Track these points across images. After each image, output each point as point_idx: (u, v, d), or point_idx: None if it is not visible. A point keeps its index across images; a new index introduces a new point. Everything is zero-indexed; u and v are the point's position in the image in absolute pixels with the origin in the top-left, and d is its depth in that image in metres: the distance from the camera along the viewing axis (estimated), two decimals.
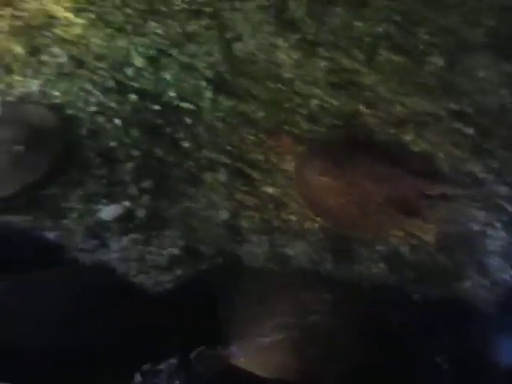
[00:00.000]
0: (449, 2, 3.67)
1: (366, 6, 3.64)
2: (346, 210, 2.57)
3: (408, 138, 2.93)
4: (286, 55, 3.37)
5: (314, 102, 3.12)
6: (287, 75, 3.27)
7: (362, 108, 3.09)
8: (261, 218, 2.66)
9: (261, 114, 3.07)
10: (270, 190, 2.77)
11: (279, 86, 3.22)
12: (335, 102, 3.12)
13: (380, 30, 3.48)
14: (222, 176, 2.79)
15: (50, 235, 2.58)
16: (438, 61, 3.31)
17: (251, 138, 2.98)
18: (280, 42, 3.43)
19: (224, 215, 2.66)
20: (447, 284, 2.44)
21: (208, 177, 2.80)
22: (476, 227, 2.59)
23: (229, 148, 2.93)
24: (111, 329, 2.19)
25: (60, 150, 2.85)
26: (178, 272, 2.50)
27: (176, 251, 2.55)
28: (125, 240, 2.59)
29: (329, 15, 3.57)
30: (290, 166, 2.86)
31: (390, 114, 3.05)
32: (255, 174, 2.82)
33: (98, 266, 2.46)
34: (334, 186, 2.58)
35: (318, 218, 2.64)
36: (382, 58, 3.34)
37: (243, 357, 2.07)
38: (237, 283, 2.44)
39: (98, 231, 2.61)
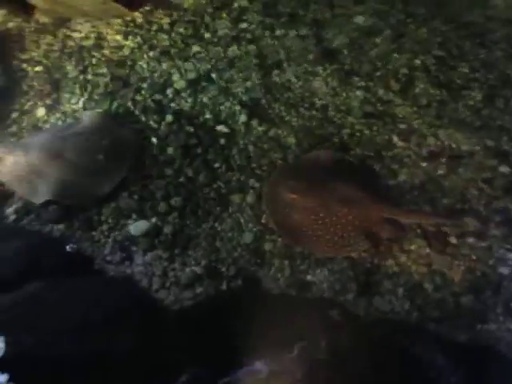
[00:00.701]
0: (492, 37, 3.61)
1: (404, 38, 3.64)
2: (310, 228, 2.55)
3: (440, 172, 2.86)
4: (322, 83, 3.39)
5: (346, 131, 3.11)
6: (321, 103, 3.29)
7: (394, 139, 3.05)
8: (283, 243, 2.65)
9: (292, 140, 3.09)
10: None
11: (313, 113, 3.24)
12: (367, 132, 3.10)
13: (418, 62, 3.46)
14: (250, 198, 2.81)
15: (82, 246, 2.67)
16: (476, 95, 3.24)
17: (279, 162, 2.99)
18: (318, 70, 3.46)
19: (248, 238, 2.67)
20: (471, 326, 2.33)
21: (236, 198, 2.83)
22: (505, 269, 2.47)
23: (258, 172, 2.95)
24: (128, 341, 2.22)
25: (133, 160, 2.94)
26: (199, 290, 2.51)
27: (198, 270, 2.57)
28: (150, 255, 2.64)
29: (367, 45, 3.59)
30: None
31: (422, 146, 3.00)
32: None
33: (122, 279, 2.51)
34: (303, 204, 2.58)
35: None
36: (419, 89, 3.30)
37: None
38: (255, 305, 2.43)
39: (126, 245, 2.68)
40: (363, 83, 3.35)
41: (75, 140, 2.87)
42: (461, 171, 2.84)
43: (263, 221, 2.73)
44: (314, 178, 2.70)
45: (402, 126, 3.11)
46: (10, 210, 2.84)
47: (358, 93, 3.30)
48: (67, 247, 2.53)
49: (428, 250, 2.56)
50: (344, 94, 3.31)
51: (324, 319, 2.31)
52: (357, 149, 3.02)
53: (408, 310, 2.42)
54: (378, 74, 3.40)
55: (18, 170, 2.80)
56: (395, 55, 3.51)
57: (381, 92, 3.29)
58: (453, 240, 2.58)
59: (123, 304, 2.31)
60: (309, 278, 2.54)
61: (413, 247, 2.59)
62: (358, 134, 3.09)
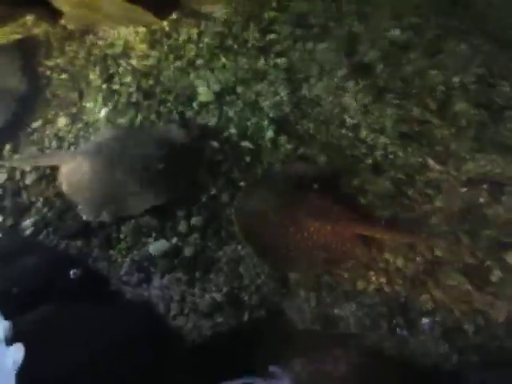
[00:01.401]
0: None
1: (442, 54, 3.40)
2: (281, 244, 2.39)
3: (481, 200, 2.62)
4: (353, 99, 3.18)
5: (379, 152, 2.89)
6: (353, 121, 3.08)
7: (430, 162, 2.82)
8: (310, 271, 2.44)
9: (321, 159, 2.89)
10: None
11: (343, 131, 3.04)
12: (402, 154, 2.87)
13: (456, 79, 3.22)
14: None
15: (98, 265, 2.51)
16: None
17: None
18: (349, 85, 3.25)
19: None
20: None
21: None
22: None
23: None
24: (140, 370, 2.06)
25: (195, 170, 2.77)
26: (219, 319, 2.32)
27: (218, 297, 2.39)
28: (168, 278, 2.46)
29: (402, 61, 3.36)
30: None
31: (461, 171, 2.76)
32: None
33: (138, 303, 2.34)
34: (273, 219, 2.42)
35: (375, 279, 2.39)
36: (457, 109, 3.06)
37: None
38: (278, 339, 2.24)
39: (144, 265, 2.51)
40: (397, 101, 3.13)
41: (133, 149, 2.70)
42: (504, 200, 2.59)
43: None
44: (286, 191, 2.56)
45: (439, 149, 2.87)
46: (27, 223, 2.70)
47: (392, 111, 3.08)
48: (71, 273, 2.34)
49: (468, 287, 2.32)
50: (377, 112, 3.09)
51: (351, 359, 2.10)
52: (390, 171, 2.79)
53: (446, 352, 2.18)
54: (414, 91, 3.17)
55: (74, 178, 2.65)
56: (432, 72, 3.27)
57: (416, 111, 3.06)
58: (495, 277, 2.33)
59: (137, 332, 2.15)
60: (336, 311, 2.32)
61: (451, 282, 2.35)
62: (391, 155, 2.87)
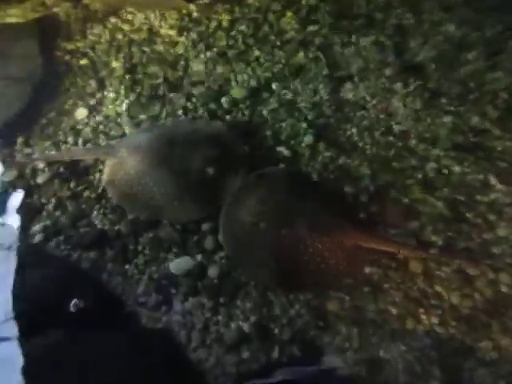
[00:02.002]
0: None
1: (503, 54, 2.97)
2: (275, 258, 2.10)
3: None
4: (401, 103, 2.79)
5: (431, 166, 2.52)
6: (401, 128, 2.70)
7: (492, 180, 2.43)
8: (352, 304, 2.11)
9: (365, 171, 2.53)
10: (366, 269, 2.21)
11: (390, 139, 2.66)
12: (457, 169, 2.49)
13: None
14: None
15: (112, 282, 2.22)
16: None
17: (349, 199, 2.44)
18: (397, 87, 2.86)
19: (309, 292, 2.15)
20: None
21: None
22: None
23: None
24: None
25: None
26: (245, 354, 2.01)
27: (246, 327, 2.07)
28: (191, 301, 2.16)
29: (458, 61, 2.95)
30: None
31: None
32: None
33: (156, 331, 2.05)
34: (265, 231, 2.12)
35: (425, 317, 2.05)
36: None
37: None
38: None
39: (163, 285, 2.21)
40: (452, 107, 2.73)
41: (182, 146, 2.39)
42: None
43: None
44: (277, 199, 2.20)
45: (502, 164, 2.48)
46: (37, 228, 2.42)
47: (446, 119, 2.69)
48: (71, 304, 2.03)
49: None
50: (428, 119, 2.70)
51: None
52: (444, 189, 2.42)
53: None
54: (471, 96, 2.77)
55: (118, 175, 2.38)
56: (492, 74, 2.85)
57: (474, 120, 2.66)
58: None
59: (152, 366, 1.85)
60: (381, 353, 1.99)
61: None
62: (445, 170, 2.49)
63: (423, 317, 2.05)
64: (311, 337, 2.04)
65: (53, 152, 2.68)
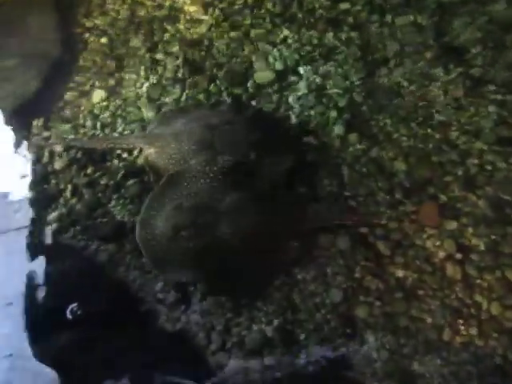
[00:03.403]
0: None
1: None
2: None
3: None
4: (442, 91, 2.53)
5: (473, 161, 2.27)
6: (440, 118, 2.45)
7: None
8: (383, 311, 1.93)
9: (400, 165, 2.30)
10: (399, 272, 2.02)
11: (428, 131, 2.41)
12: (503, 165, 2.24)
13: None
14: (342, 242, 2.08)
15: (129, 276, 2.08)
16: None
17: (382, 195, 2.23)
18: (437, 72, 2.59)
19: (336, 296, 1.97)
20: None
21: (323, 239, 2.11)
22: None
23: (353, 203, 2.21)
24: None
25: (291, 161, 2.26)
26: (268, 361, 1.86)
27: (269, 331, 1.92)
28: (210, 301, 2.00)
29: (505, 44, 2.64)
30: (429, 243, 2.08)
31: None
32: (382, 247, 2.08)
33: (174, 332, 1.91)
34: None
35: (463, 328, 1.86)
36: None
37: None
38: None
39: (182, 282, 2.05)
40: (498, 96, 2.45)
41: (223, 131, 2.26)
42: None
43: (357, 275, 2.01)
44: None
45: None
46: (53, 216, 2.28)
47: (491, 109, 2.42)
48: (68, 310, 1.88)
49: None
50: (471, 109, 2.44)
51: None
52: (487, 187, 2.19)
53: None
54: None
55: (161, 162, 2.24)
56: None
57: None
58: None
59: (169, 367, 1.72)
60: (415, 366, 1.82)
61: None
62: (489, 166, 2.25)
63: (461, 328, 1.87)
64: (338, 344, 1.87)
65: (88, 139, 2.51)
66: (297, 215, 2.10)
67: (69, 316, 1.88)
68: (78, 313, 1.88)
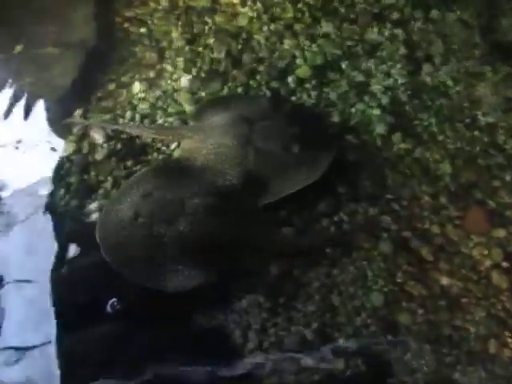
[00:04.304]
0: None
1: None
2: None
3: None
4: (489, 91, 2.40)
5: None
6: (488, 119, 2.32)
7: None
8: (426, 318, 1.85)
9: (445, 167, 2.19)
10: (443, 279, 1.92)
11: (475, 133, 2.29)
12: None
13: None
14: (384, 245, 2.00)
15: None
16: None
17: (426, 199, 2.12)
18: (484, 71, 2.46)
19: (377, 300, 1.89)
20: None
21: (364, 241, 2.03)
22: None
23: (396, 207, 2.11)
24: None
25: (332, 156, 2.16)
26: (307, 361, 1.80)
27: (308, 333, 1.85)
28: (248, 299, 1.95)
29: None
30: (475, 251, 1.97)
31: None
32: (425, 252, 1.98)
33: (212, 328, 1.87)
34: None
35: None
36: None
37: None
38: None
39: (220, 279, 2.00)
40: None
41: (262, 124, 2.20)
42: None
43: (399, 279, 1.93)
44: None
45: None
46: (93, 206, 2.25)
47: None
48: (108, 304, 1.85)
49: None
50: None
51: None
52: None
53: None
54: None
55: (198, 157, 2.19)
56: None
57: None
58: None
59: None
60: (458, 376, 1.74)
61: None
62: None
63: (509, 340, 1.77)
64: (379, 350, 1.80)
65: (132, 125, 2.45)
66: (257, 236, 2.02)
67: (109, 310, 1.85)
68: (118, 307, 1.84)
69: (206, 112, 2.35)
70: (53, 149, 2.40)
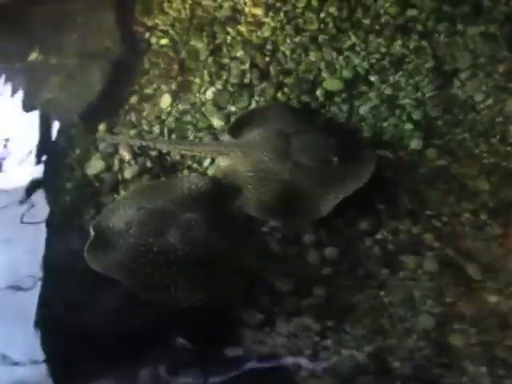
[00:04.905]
0: None
1: None
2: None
3: None
4: None
5: None
6: None
7: None
8: (479, 339, 1.81)
9: (483, 184, 2.16)
10: (493, 298, 1.89)
11: (508, 148, 2.27)
12: None
13: None
14: (429, 263, 1.95)
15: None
16: None
17: (466, 216, 2.09)
18: None
19: (427, 322, 1.84)
20: None
21: (409, 260, 1.98)
22: None
23: (438, 224, 2.07)
24: None
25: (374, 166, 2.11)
26: None
27: (361, 357, 1.79)
28: (295, 322, 1.87)
29: None
30: None
31: None
32: (472, 270, 1.95)
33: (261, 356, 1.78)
34: None
35: None
36: None
37: None
38: None
39: (264, 302, 1.92)
40: None
41: (299, 137, 2.14)
42: None
43: (447, 299, 1.88)
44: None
45: None
46: None
47: None
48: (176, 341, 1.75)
49: None
50: None
51: None
52: None
53: None
54: None
55: (235, 173, 2.12)
56: None
57: None
58: None
59: None
60: None
61: None
62: None
63: None
64: (434, 374, 1.75)
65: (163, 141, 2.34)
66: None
67: (178, 345, 1.75)
68: (184, 343, 1.74)
69: (241, 127, 2.26)
70: None
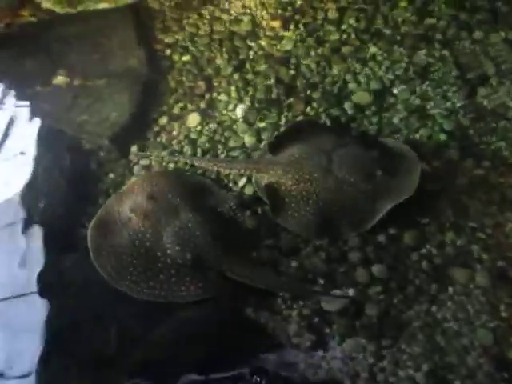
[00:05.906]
0: None
1: None
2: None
3: None
4: None
5: None
6: None
7: None
8: None
9: None
10: None
11: None
12: None
13: None
14: (481, 277, 1.88)
15: (259, 317, 1.85)
16: None
17: (510, 226, 2.02)
18: None
19: (486, 337, 1.77)
20: None
21: (459, 274, 1.91)
22: None
23: (482, 235, 2.00)
24: None
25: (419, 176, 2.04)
26: None
27: (419, 377, 1.71)
28: (349, 344, 1.79)
29: None
30: None
31: None
32: None
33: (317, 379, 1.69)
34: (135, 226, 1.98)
35: None
36: None
37: None
38: None
39: (315, 323, 1.84)
40: None
41: (341, 154, 2.08)
42: None
43: (503, 314, 1.81)
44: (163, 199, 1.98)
45: None
46: None
47: None
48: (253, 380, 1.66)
49: None
50: None
51: None
52: None
53: None
54: None
55: (277, 191, 2.04)
56: None
57: None
58: None
59: None
60: None
61: None
62: None
63: None
64: None
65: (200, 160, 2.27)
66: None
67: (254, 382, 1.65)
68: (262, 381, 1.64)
69: (280, 144, 2.17)
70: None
